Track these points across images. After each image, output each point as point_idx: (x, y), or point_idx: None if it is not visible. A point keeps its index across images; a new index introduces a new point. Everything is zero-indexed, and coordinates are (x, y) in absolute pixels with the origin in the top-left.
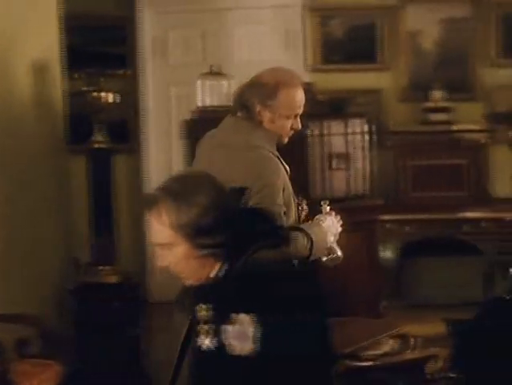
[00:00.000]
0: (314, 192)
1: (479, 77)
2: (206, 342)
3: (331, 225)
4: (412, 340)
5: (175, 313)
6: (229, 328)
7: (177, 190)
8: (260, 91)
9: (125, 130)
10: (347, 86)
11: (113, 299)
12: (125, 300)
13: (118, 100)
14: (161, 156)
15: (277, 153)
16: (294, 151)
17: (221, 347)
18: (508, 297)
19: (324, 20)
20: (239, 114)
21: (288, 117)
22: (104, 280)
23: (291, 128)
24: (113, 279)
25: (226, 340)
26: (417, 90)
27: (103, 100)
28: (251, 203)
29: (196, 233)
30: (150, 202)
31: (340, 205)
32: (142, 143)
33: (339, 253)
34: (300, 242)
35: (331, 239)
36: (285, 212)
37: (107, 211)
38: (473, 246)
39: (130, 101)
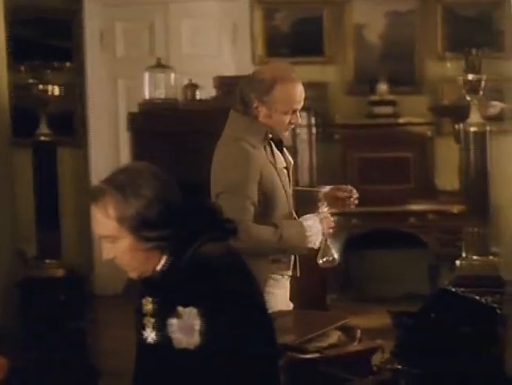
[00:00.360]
0: None
1: (424, 70)
2: (152, 335)
3: (312, 226)
4: (358, 332)
5: (121, 306)
6: (175, 321)
7: (123, 182)
8: (257, 86)
9: (71, 123)
10: None
11: (59, 293)
12: (71, 293)
13: (64, 93)
14: (108, 148)
15: (268, 145)
16: None
17: (166, 341)
18: (453, 290)
19: (270, 13)
20: (238, 108)
21: (285, 112)
22: (50, 273)
23: (290, 123)
24: (59, 273)
25: (172, 333)
26: (363, 83)
27: (49, 93)
28: (219, 190)
29: (141, 226)
30: (95, 194)
31: None
32: (88, 136)
33: (336, 255)
34: (265, 237)
35: (314, 239)
36: (269, 203)
37: (53, 205)
38: (418, 239)
39: (76, 94)
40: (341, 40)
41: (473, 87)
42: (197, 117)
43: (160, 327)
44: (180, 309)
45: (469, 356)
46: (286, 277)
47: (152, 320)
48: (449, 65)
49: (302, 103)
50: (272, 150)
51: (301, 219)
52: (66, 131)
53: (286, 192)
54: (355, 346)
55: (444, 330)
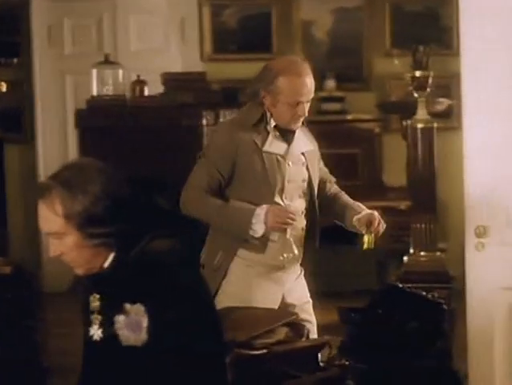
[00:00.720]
0: None
1: (372, 67)
2: (99, 332)
3: (259, 214)
4: (305, 328)
5: (69, 303)
6: (122, 318)
7: (69, 179)
8: (264, 76)
9: (18, 119)
10: (241, 75)
11: (7, 290)
12: (19, 291)
13: (11, 89)
14: (57, 145)
15: (265, 131)
16: (189, 140)
17: (113, 338)
18: (401, 286)
19: (218, 10)
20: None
21: (289, 103)
22: None
23: (297, 115)
24: (6, 270)
25: (119, 330)
26: None
27: None
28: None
29: (87, 223)
30: (42, 191)
31: None
32: (37, 132)
33: (296, 251)
34: (202, 208)
35: (257, 228)
36: (239, 182)
37: (1, 201)
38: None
39: (24, 90)
40: (289, 37)
41: (420, 84)
42: (145, 113)
43: (107, 324)
44: (127, 306)
45: (416, 352)
46: (270, 268)
47: (99, 317)
48: (396, 61)
49: (308, 96)
50: (268, 136)
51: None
52: (13, 127)
53: (269, 178)
54: (302, 343)
55: (391, 326)
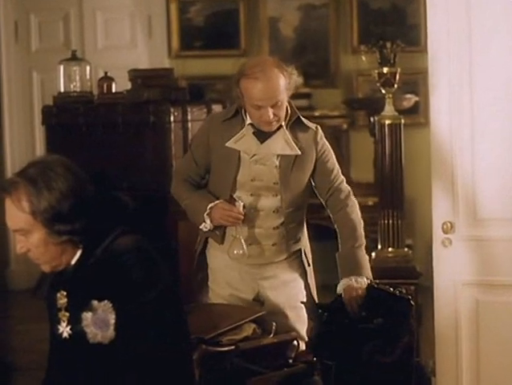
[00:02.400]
0: None
1: (339, 63)
2: (67, 329)
3: (209, 209)
4: (273, 325)
5: (34, 301)
6: (90, 315)
7: (35, 175)
8: (235, 75)
9: None
10: (208, 72)
11: None
12: None
13: None
14: (24, 141)
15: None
16: (156, 136)
17: (81, 335)
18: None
19: (185, 6)
20: None
21: (252, 106)
22: None
23: (262, 118)
24: None
25: (86, 327)
26: None
27: None
28: None
29: (54, 219)
30: (8, 187)
31: None
32: (3, 129)
33: (245, 249)
34: (176, 195)
35: (207, 222)
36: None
37: None
38: (333, 231)
39: None
40: (256, 33)
41: (387, 80)
42: (112, 110)
43: (75, 321)
44: (94, 303)
45: (383, 348)
46: (235, 257)
47: (67, 314)
48: (363, 58)
49: (267, 101)
50: (239, 132)
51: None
52: None
53: (225, 173)
54: (270, 339)
55: (358, 322)
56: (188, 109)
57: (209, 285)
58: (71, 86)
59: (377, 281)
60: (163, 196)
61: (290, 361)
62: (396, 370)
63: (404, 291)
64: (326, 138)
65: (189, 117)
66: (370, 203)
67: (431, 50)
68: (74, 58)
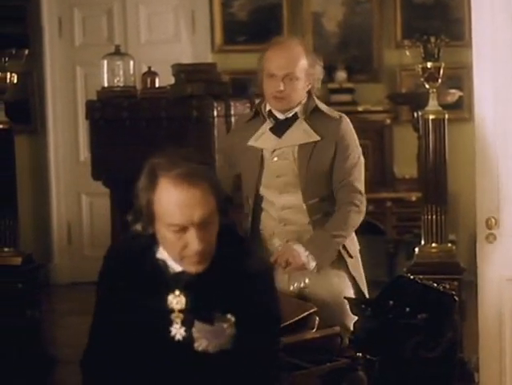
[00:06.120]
0: None
1: (382, 58)
2: (181, 331)
3: None
4: (316, 319)
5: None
6: (205, 324)
7: (204, 167)
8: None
9: (28, 111)
10: (250, 66)
11: (16, 281)
12: (28, 282)
13: (21, 81)
14: (67, 136)
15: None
16: (199, 131)
17: (191, 339)
18: (411, 277)
19: (228, 1)
20: None
21: (268, 75)
22: (7, 262)
23: (272, 90)
24: (16, 261)
25: (197, 333)
26: None
27: (7, 81)
28: None
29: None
30: (193, 177)
31: None
32: (47, 123)
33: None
34: None
35: None
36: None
37: (10, 192)
38: (376, 226)
39: (34, 81)
40: (299, 28)
41: (431, 75)
42: (156, 105)
43: (188, 325)
44: (216, 314)
45: (427, 343)
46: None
47: (181, 316)
48: (407, 53)
49: (282, 70)
50: (259, 129)
51: None
52: (23, 119)
53: (251, 173)
54: (313, 333)
55: (401, 317)
56: (231, 104)
57: None
58: (115, 80)
59: (420, 276)
60: None
61: (334, 356)
62: (439, 365)
63: (447, 287)
64: (369, 132)
65: (232, 112)
66: (413, 198)
67: (475, 45)
68: (117, 52)
